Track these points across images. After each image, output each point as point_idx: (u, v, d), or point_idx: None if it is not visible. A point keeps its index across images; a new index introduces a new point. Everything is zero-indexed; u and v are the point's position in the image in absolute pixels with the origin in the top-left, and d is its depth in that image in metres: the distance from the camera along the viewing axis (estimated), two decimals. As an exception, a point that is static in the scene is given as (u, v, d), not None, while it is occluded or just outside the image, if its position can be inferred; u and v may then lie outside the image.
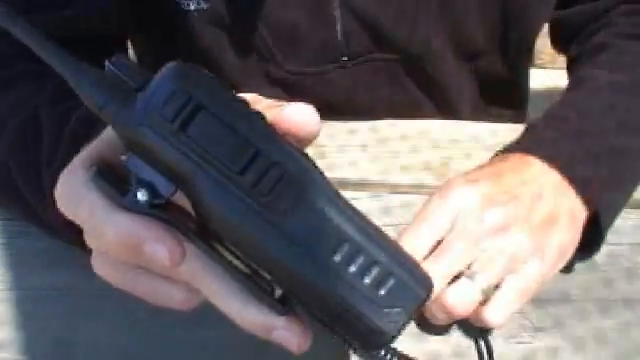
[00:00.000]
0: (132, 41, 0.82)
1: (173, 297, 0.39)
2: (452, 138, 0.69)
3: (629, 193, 0.61)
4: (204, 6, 0.68)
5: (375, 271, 0.35)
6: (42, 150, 0.56)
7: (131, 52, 0.83)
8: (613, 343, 0.57)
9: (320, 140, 0.69)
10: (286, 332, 0.37)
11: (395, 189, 0.65)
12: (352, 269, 0.34)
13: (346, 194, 0.36)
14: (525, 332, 0.57)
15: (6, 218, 0.63)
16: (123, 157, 0.35)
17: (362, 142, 0.69)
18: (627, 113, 0.62)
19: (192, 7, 0.68)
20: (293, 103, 0.37)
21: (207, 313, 0.54)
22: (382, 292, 0.35)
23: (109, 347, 0.56)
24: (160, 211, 0.35)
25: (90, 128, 0.54)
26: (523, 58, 0.80)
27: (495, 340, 0.56)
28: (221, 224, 0.35)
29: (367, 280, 0.35)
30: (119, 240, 0.36)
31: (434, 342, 0.56)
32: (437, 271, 0.52)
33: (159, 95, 0.33)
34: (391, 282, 0.35)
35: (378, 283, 0.35)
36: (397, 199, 0.64)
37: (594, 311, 0.58)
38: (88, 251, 0.56)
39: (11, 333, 0.57)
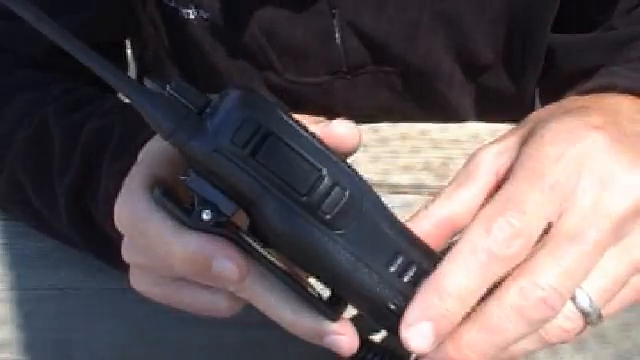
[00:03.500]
0: (131, 42, 0.82)
1: (217, 305, 0.40)
2: (452, 138, 0.69)
3: None
4: (204, 15, 0.68)
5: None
6: (54, 160, 0.56)
7: (129, 52, 0.83)
8: (613, 343, 0.56)
9: (320, 140, 0.69)
10: (337, 337, 0.39)
11: (395, 189, 0.65)
12: (405, 279, 0.38)
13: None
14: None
15: (7, 218, 0.63)
16: (183, 178, 0.37)
17: (362, 142, 0.69)
18: None
19: (192, 16, 0.68)
20: (336, 120, 0.39)
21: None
22: None
23: (109, 347, 0.56)
24: (221, 229, 0.38)
25: (104, 141, 0.54)
26: (529, 72, 0.75)
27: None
28: (285, 242, 0.37)
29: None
30: (187, 258, 0.38)
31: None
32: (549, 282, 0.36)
33: (230, 123, 0.36)
34: None
35: None
36: (397, 199, 0.64)
37: (594, 311, 0.58)
38: (98, 257, 0.56)
39: (12, 333, 0.57)
